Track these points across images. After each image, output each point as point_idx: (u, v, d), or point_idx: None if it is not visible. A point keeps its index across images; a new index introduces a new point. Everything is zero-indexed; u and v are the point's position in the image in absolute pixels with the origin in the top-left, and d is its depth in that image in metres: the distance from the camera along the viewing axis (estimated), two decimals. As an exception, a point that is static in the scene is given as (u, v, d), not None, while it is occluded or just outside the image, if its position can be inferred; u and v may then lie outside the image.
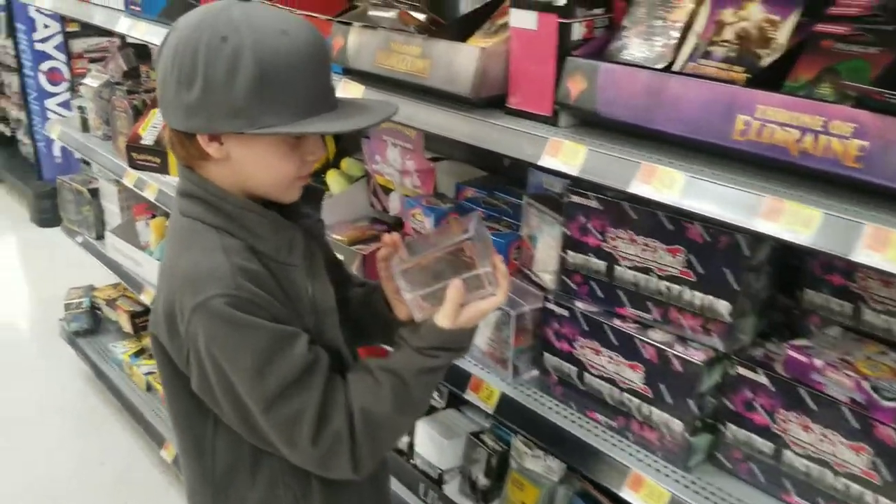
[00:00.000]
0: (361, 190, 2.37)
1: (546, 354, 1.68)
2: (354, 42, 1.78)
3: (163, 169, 2.43)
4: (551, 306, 1.63)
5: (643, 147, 1.33)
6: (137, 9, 2.70)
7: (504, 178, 2.12)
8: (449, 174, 2.20)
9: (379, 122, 1.32)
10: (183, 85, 1.20)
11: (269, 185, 1.31)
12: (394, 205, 2.29)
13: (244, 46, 1.16)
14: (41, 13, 5.31)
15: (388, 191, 2.30)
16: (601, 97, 1.35)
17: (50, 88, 5.55)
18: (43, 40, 5.44)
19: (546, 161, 1.42)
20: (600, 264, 1.55)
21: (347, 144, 2.61)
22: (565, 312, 1.61)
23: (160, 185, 2.83)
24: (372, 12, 1.73)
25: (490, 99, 1.55)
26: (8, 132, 6.25)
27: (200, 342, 1.23)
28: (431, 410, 2.24)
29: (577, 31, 1.43)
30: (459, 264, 1.28)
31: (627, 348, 1.51)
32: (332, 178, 2.45)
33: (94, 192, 3.59)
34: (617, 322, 1.53)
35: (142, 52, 3.49)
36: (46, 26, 5.41)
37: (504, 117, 1.53)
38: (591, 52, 1.43)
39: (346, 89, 1.83)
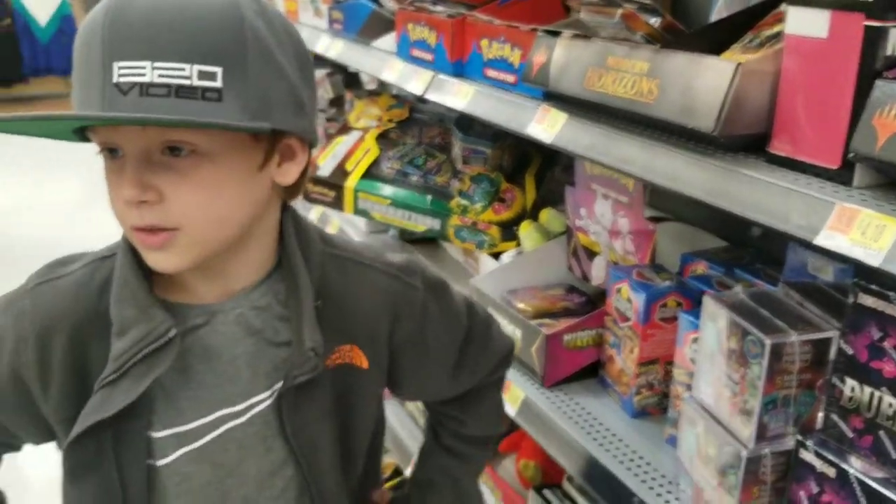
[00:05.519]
0: (559, 249, 1.91)
1: (793, 525, 1.13)
2: (560, 57, 1.35)
3: (336, 204, 2.12)
4: (808, 456, 1.08)
5: None
6: (339, 27, 2.45)
7: (750, 252, 1.58)
8: (674, 240, 1.69)
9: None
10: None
11: None
12: (597, 272, 1.81)
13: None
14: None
15: (592, 254, 1.83)
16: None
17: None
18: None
19: (828, 239, 0.90)
20: (901, 407, 0.99)
21: (551, 191, 2.17)
22: (831, 471, 1.05)
23: (342, 223, 2.57)
24: (586, 15, 1.30)
25: (744, 139, 1.07)
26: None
27: None
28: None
29: (894, 40, 0.92)
30: None
31: (937, 549, 0.93)
32: (527, 232, 2.01)
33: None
34: (923, 504, 0.96)
35: (351, 80, 3.28)
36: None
37: (763, 167, 1.04)
38: (919, 73, 0.91)
39: (546, 118, 1.41)
